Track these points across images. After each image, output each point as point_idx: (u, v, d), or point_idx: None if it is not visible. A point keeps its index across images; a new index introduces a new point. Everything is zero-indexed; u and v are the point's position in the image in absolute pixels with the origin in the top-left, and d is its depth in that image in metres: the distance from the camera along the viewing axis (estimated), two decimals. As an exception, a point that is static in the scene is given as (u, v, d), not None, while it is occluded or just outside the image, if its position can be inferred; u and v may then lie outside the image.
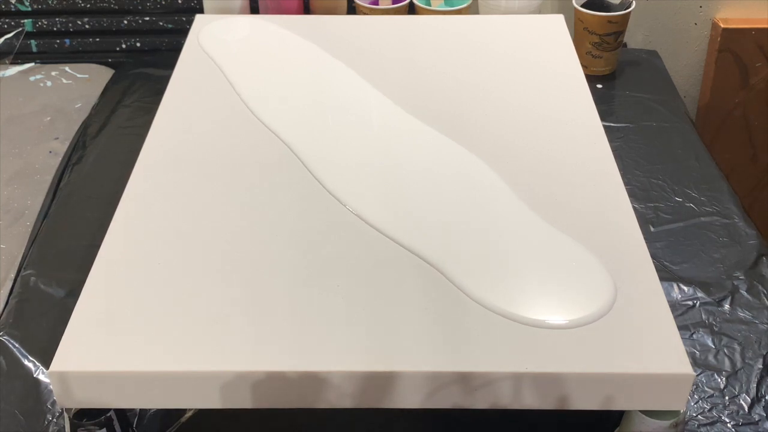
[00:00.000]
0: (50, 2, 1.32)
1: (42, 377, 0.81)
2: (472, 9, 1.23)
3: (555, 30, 1.05)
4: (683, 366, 0.63)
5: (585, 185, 0.80)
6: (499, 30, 1.06)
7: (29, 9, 1.33)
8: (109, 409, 0.66)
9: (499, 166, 0.82)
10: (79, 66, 1.32)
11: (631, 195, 0.81)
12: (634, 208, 0.79)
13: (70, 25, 1.34)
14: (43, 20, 1.33)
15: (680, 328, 0.68)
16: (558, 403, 0.64)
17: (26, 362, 0.82)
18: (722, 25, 1.36)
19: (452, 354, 0.64)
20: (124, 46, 1.36)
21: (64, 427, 0.71)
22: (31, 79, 1.29)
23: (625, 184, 0.81)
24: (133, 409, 0.76)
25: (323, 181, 0.80)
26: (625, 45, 1.31)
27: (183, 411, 0.76)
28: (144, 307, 0.68)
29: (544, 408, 0.65)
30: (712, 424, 0.77)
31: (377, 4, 1.23)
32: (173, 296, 0.68)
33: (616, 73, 1.24)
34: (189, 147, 0.85)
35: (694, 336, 0.84)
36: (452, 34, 1.05)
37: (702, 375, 0.80)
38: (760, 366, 0.81)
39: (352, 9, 1.27)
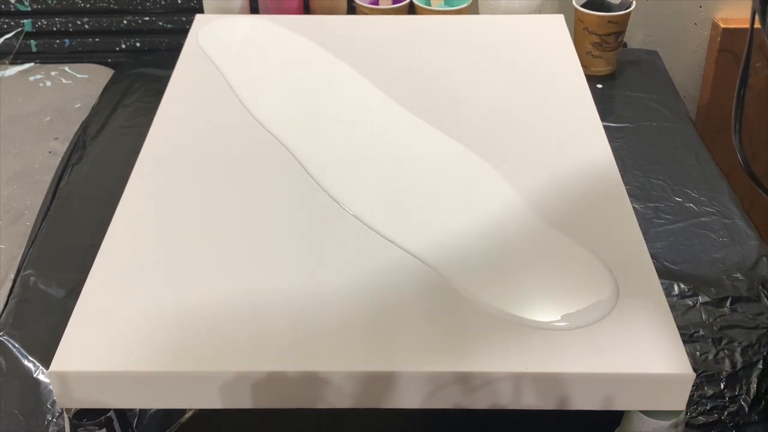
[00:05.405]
0: (50, 2, 1.32)
1: (42, 377, 0.81)
2: (472, 9, 1.23)
3: (555, 30, 1.05)
4: (683, 366, 0.63)
5: (585, 185, 0.80)
6: (499, 30, 1.06)
7: (29, 9, 1.33)
8: (109, 409, 0.66)
9: (499, 166, 0.82)
10: (79, 66, 1.32)
11: (631, 195, 0.81)
12: (634, 208, 0.79)
13: (69, 25, 1.34)
14: (43, 20, 1.33)
15: (680, 328, 0.68)
16: (558, 404, 0.64)
17: (26, 362, 0.82)
18: (722, 25, 1.36)
19: (452, 354, 0.64)
20: (123, 46, 1.36)
21: (64, 427, 0.71)
22: (31, 79, 1.29)
23: (625, 184, 0.81)
24: (133, 409, 0.76)
25: (323, 183, 0.80)
26: (625, 45, 1.31)
27: (183, 411, 0.76)
28: (144, 307, 0.68)
29: (544, 408, 0.64)
30: (712, 424, 0.77)
31: (377, 4, 1.23)
32: (173, 296, 0.68)
33: (616, 73, 1.24)
34: (189, 147, 0.85)
35: (694, 336, 0.84)
36: (452, 34, 1.05)
37: (702, 375, 0.80)
38: (760, 366, 0.81)
39: (352, 9, 1.27)
